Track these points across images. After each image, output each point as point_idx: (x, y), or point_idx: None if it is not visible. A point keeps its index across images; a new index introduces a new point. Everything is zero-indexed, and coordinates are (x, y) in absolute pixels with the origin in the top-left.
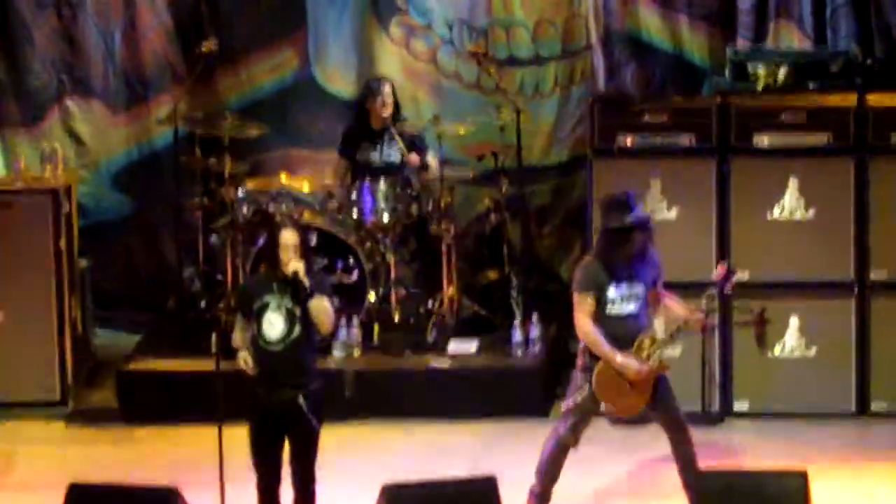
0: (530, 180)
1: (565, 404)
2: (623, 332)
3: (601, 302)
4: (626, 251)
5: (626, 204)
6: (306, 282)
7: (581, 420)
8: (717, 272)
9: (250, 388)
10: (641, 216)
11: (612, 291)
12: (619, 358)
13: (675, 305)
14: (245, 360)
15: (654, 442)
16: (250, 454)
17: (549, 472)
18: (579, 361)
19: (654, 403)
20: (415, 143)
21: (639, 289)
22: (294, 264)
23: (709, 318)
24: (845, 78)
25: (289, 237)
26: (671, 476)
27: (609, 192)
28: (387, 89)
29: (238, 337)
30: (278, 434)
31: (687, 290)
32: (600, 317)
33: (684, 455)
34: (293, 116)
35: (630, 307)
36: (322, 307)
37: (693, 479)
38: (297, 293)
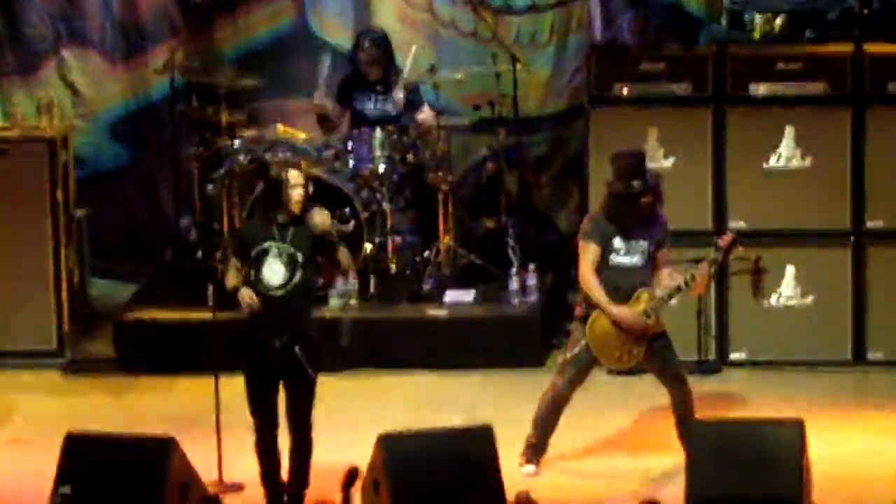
0: (527, 130)
1: (563, 357)
2: (625, 283)
3: (606, 251)
4: (630, 214)
5: (635, 168)
6: (334, 234)
7: (578, 373)
8: (724, 239)
9: (247, 335)
10: (648, 183)
11: (617, 242)
12: (615, 309)
13: (673, 273)
14: (250, 296)
15: (651, 392)
16: (247, 402)
17: (546, 423)
18: (577, 311)
19: (651, 359)
20: (410, 95)
21: (644, 244)
22: (320, 214)
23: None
24: (842, 27)
25: (296, 176)
26: (668, 426)
27: (609, 143)
28: (365, 43)
29: (232, 279)
30: (274, 382)
31: (683, 238)
32: (604, 266)
33: (683, 410)
34: (289, 66)
35: (635, 259)
36: (347, 253)
37: (690, 431)
38: (325, 245)
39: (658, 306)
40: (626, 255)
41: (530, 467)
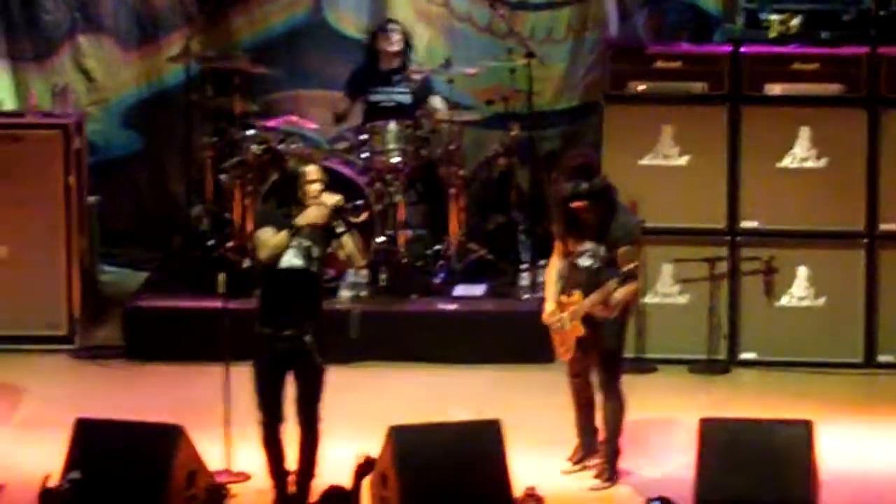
0: (541, 125)
1: None
2: (581, 284)
3: (569, 252)
4: (572, 217)
5: (582, 172)
6: (346, 215)
7: (569, 363)
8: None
9: (257, 325)
10: (590, 189)
11: (573, 244)
12: (546, 305)
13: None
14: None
15: (653, 390)
16: (254, 392)
17: (578, 423)
18: None
19: (582, 358)
20: (423, 87)
21: (593, 247)
22: (331, 197)
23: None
24: (858, 28)
25: (314, 171)
26: (669, 424)
27: (624, 140)
28: (395, 29)
29: (278, 236)
30: (283, 372)
31: (696, 236)
32: (571, 266)
33: (604, 419)
34: (304, 57)
35: (588, 262)
36: (357, 240)
37: (607, 444)
38: (333, 227)
39: (576, 313)
40: (581, 256)
41: (566, 464)
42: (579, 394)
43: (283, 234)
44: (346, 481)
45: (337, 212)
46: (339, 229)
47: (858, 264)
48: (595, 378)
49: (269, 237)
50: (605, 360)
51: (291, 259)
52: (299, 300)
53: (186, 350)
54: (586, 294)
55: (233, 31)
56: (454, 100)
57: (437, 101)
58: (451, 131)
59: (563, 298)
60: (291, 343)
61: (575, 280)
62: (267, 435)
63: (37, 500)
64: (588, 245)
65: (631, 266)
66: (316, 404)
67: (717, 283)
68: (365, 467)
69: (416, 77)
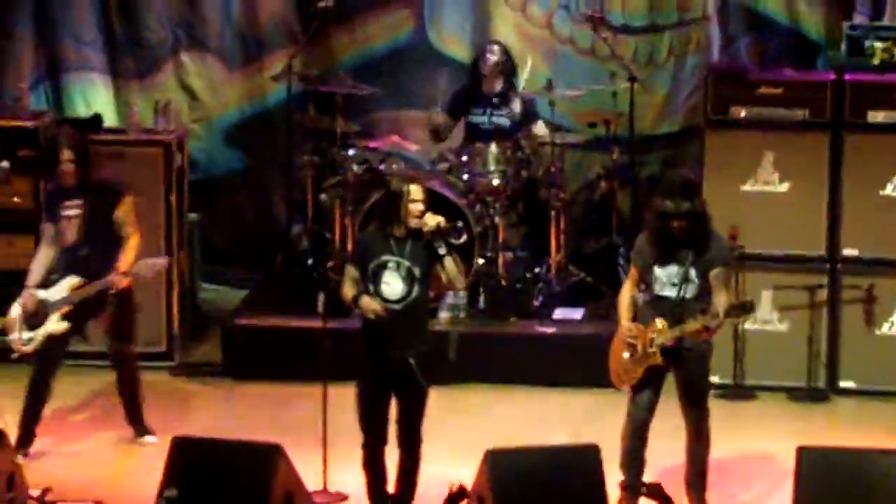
0: (641, 149)
1: None
2: (663, 315)
3: (649, 281)
4: (667, 235)
5: (680, 190)
6: (448, 236)
7: (634, 390)
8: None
9: (361, 346)
10: (687, 209)
11: (656, 271)
12: (624, 323)
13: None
14: (369, 303)
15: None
16: (357, 413)
17: (624, 456)
18: None
19: (653, 390)
20: (527, 110)
21: (684, 273)
22: (434, 217)
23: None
24: None
25: (417, 191)
26: (751, 455)
27: (725, 165)
28: (494, 50)
29: (350, 289)
30: (387, 394)
31: (796, 263)
32: (649, 296)
33: (688, 454)
34: (406, 77)
35: (671, 291)
36: (457, 262)
37: (692, 481)
38: (434, 248)
39: (662, 343)
40: (664, 286)
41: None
42: (641, 428)
43: (352, 294)
44: None
45: (439, 234)
46: (441, 251)
47: None
48: (685, 413)
49: (346, 283)
50: (697, 397)
51: (391, 282)
52: (403, 321)
53: (285, 369)
54: (671, 324)
55: (335, 50)
56: (555, 122)
57: (540, 127)
58: (552, 153)
59: (640, 326)
60: (396, 364)
61: (655, 310)
62: (369, 456)
63: None
64: (674, 269)
65: (745, 299)
66: (418, 426)
67: (817, 310)
68: (457, 496)
69: (519, 99)
